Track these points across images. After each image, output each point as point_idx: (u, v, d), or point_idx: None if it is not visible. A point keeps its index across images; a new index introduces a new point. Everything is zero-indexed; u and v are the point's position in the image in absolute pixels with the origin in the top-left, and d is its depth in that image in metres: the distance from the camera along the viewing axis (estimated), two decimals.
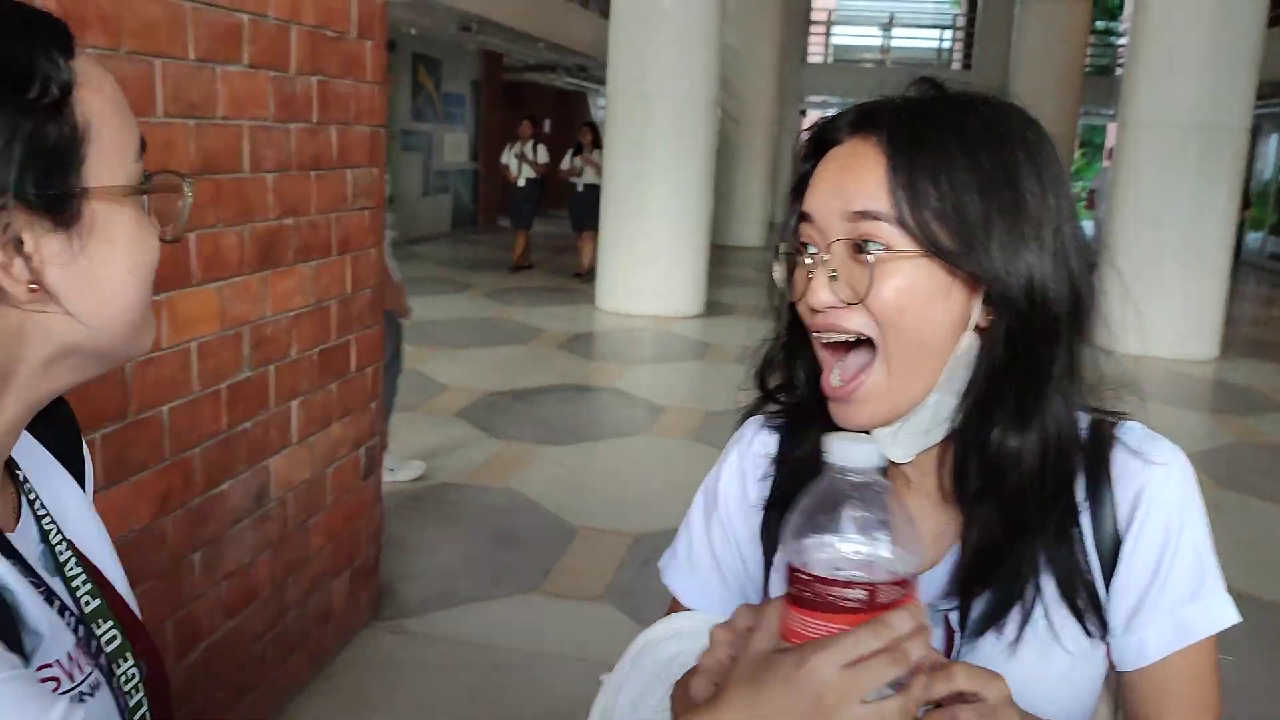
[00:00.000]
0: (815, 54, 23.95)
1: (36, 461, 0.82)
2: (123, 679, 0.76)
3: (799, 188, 0.88)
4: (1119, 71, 15.30)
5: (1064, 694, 0.86)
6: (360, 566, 3.14)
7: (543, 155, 11.76)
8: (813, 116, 31.41)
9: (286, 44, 2.48)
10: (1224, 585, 0.86)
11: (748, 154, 15.49)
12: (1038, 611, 0.84)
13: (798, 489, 0.70)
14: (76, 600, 0.76)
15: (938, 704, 0.69)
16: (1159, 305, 7.87)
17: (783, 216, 0.92)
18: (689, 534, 1.05)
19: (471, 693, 2.95)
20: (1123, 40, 18.09)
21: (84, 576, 0.77)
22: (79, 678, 0.70)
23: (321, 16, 2.63)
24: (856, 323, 0.81)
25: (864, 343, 0.83)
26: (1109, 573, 0.86)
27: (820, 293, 0.81)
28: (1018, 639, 0.84)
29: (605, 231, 9.57)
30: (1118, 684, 0.89)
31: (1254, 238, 17.23)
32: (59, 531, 0.78)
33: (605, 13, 10.73)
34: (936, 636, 0.84)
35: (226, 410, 2.35)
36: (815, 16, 24.30)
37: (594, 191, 11.00)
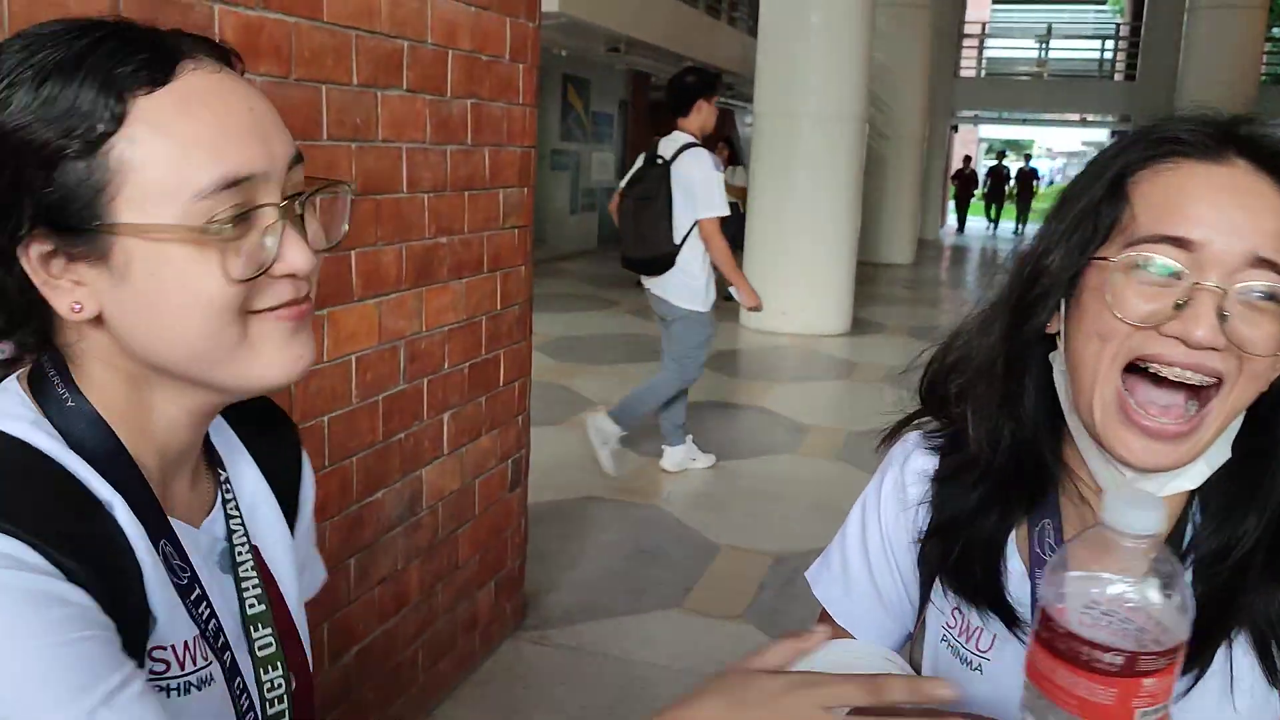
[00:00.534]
0: (968, 68, 23.38)
1: (240, 466, 0.87)
2: (267, 686, 0.79)
3: (1111, 196, 0.82)
4: None
5: None
6: (506, 577, 3.21)
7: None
8: (964, 131, 30.64)
9: (444, 69, 2.57)
10: None
11: (896, 170, 15.23)
12: (1219, 663, 0.81)
13: (957, 516, 0.67)
14: (242, 601, 0.80)
15: None
16: None
17: (1103, 214, 0.83)
18: (844, 548, 1.03)
19: (612, 706, 2.97)
20: None
21: (256, 581, 0.81)
22: (190, 668, 0.73)
23: (477, 42, 2.72)
24: (1219, 366, 0.78)
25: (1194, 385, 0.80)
26: None
27: (1205, 330, 0.76)
28: (1188, 691, 0.80)
29: (751, 249, 9.55)
30: None
31: None
32: (245, 534, 0.83)
33: (753, 31, 10.74)
34: None
35: (383, 421, 2.44)
36: (968, 29, 23.74)
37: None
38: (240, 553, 0.81)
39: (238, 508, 0.83)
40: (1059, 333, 0.85)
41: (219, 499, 0.82)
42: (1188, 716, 0.79)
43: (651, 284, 4.84)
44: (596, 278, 12.57)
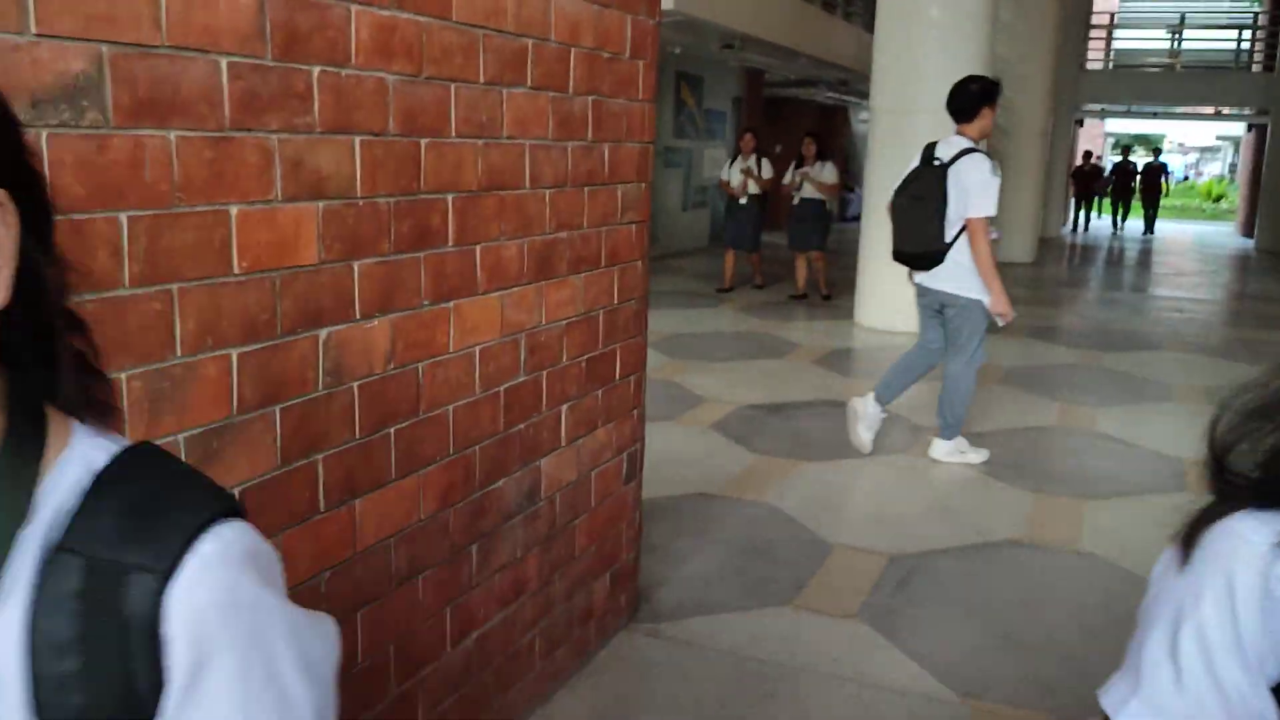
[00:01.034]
0: (1095, 59, 22.59)
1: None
2: None
3: None
4: None
5: None
6: (620, 569, 3.25)
7: (767, 170, 10.97)
8: (1089, 125, 29.59)
9: (566, 66, 2.61)
10: None
11: (1017, 166, 14.81)
12: None
13: None
14: None
15: None
16: None
17: None
18: (1179, 685, 0.79)
19: (723, 701, 2.97)
20: None
21: None
22: None
23: (599, 39, 2.76)
24: None
25: None
26: None
27: None
28: None
29: (865, 247, 9.42)
30: None
31: None
32: None
33: (869, 26, 10.58)
34: None
35: (504, 412, 2.50)
36: (1096, 20, 22.94)
37: (810, 207, 10.55)
38: None
39: None
40: None
41: None
42: None
43: (924, 278, 5.15)
44: (708, 274, 12.55)
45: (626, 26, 2.90)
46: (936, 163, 5.03)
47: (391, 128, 1.99)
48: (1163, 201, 24.03)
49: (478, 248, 2.33)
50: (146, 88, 1.47)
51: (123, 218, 1.46)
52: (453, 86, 2.15)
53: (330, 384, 1.89)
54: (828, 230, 10.95)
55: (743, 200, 11.01)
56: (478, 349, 2.37)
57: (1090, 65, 22.24)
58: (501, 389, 2.49)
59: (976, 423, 6.08)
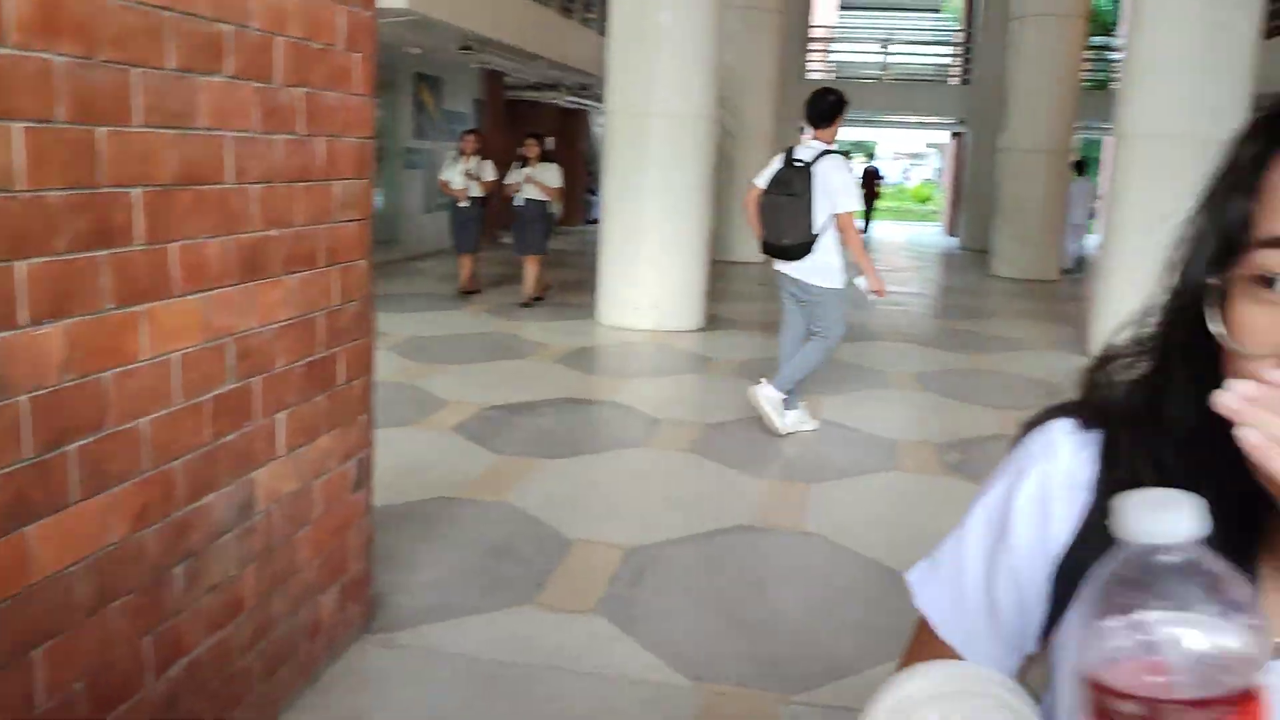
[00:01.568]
0: (814, 71, 24.01)
1: None
2: None
3: (1241, 187, 0.68)
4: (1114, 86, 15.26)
5: None
6: (350, 579, 3.12)
7: (489, 172, 10.78)
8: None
9: (270, 56, 2.48)
10: None
11: (745, 170, 15.45)
12: None
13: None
14: None
15: None
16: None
17: (1199, 224, 0.71)
18: (960, 555, 0.86)
19: (463, 706, 2.92)
20: (1117, 55, 18.07)
21: None
22: None
23: (308, 29, 2.64)
24: None
25: None
26: None
27: None
28: None
29: (604, 247, 9.57)
30: None
31: None
32: None
33: (605, 31, 10.77)
34: None
35: (211, 422, 2.34)
36: (814, 34, 24.40)
37: (533, 209, 10.46)
38: None
39: None
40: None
41: None
42: None
43: (789, 269, 5.73)
44: (451, 276, 12.37)
45: (339, 17, 2.79)
46: (799, 164, 5.58)
47: (61, 114, 1.81)
48: (877, 204, 25.91)
49: (173, 246, 2.17)
50: None
51: None
52: (134, 71, 1.99)
53: None
54: (549, 233, 10.94)
55: (463, 203, 10.78)
56: (177, 355, 2.20)
57: (810, 75, 23.60)
58: (207, 398, 2.33)
59: (714, 413, 6.30)
